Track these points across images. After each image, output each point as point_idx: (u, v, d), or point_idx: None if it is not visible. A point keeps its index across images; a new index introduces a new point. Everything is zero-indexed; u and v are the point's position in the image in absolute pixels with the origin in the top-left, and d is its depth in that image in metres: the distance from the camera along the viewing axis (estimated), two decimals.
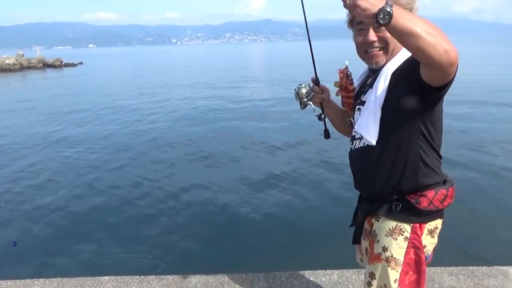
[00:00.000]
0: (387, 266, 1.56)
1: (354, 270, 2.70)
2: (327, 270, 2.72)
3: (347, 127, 1.86)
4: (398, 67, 1.52)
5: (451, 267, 2.71)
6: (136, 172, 6.86)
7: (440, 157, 1.60)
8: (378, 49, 1.55)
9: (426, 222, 1.56)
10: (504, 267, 2.69)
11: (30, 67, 41.61)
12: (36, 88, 23.88)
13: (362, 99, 1.66)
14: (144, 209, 5.39)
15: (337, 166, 6.77)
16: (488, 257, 3.75)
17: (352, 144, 1.72)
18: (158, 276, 2.72)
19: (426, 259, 1.58)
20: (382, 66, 1.56)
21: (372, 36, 1.53)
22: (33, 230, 4.87)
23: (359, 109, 1.69)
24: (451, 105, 11.40)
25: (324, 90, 1.81)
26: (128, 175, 6.72)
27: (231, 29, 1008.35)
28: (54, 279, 2.71)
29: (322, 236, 4.49)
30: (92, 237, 4.65)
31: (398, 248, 1.54)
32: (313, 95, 1.79)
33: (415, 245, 1.54)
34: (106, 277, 2.72)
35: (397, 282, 1.55)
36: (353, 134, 1.73)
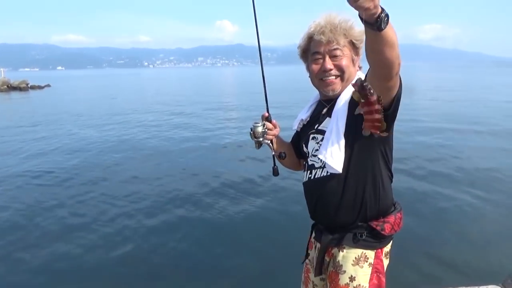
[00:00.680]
0: None
1: None
2: None
3: (294, 160, 1.91)
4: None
5: None
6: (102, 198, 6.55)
7: (392, 175, 1.68)
8: (334, 77, 1.60)
9: (386, 245, 1.63)
10: None
11: None
12: None
13: (319, 128, 1.68)
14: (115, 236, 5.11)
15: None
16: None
17: (311, 173, 1.70)
18: None
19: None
20: (339, 94, 1.61)
21: (329, 64, 1.59)
22: None
23: (314, 138, 1.70)
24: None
25: (275, 127, 1.83)
26: (94, 203, 6.40)
27: (203, 53, 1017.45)
28: None
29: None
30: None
31: (363, 275, 1.56)
32: (266, 132, 1.77)
33: (378, 270, 1.58)
34: None
35: None
36: (310, 163, 1.71)
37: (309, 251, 1.83)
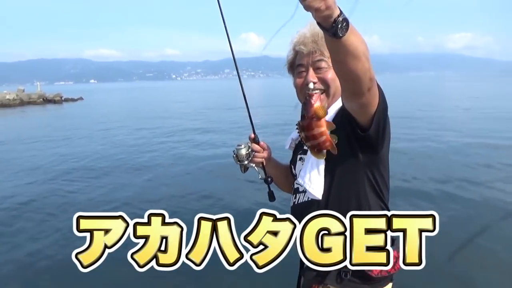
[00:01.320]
0: None
1: None
2: None
3: (291, 185, 1.69)
4: (337, 113, 1.43)
5: None
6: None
7: (386, 205, 1.47)
8: (320, 91, 1.43)
9: None
10: None
11: (30, 102, 41.96)
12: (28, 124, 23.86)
13: (305, 149, 1.50)
14: None
15: None
16: None
17: (295, 197, 1.56)
18: None
19: None
20: None
21: (312, 76, 1.45)
22: None
23: (301, 159, 1.56)
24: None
25: (264, 149, 1.68)
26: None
27: (230, 65, 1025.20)
28: None
29: None
30: None
31: None
32: (253, 155, 1.64)
33: None
34: None
35: None
36: (295, 187, 1.58)
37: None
